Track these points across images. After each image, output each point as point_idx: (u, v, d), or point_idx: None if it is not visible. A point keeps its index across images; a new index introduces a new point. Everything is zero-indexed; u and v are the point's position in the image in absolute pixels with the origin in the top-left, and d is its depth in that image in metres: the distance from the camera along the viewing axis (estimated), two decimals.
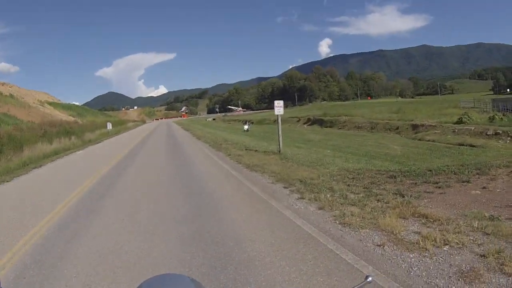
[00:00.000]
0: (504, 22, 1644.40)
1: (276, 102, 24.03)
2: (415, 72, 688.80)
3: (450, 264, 6.74)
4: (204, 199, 12.74)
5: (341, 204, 10.65)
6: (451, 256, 7.07)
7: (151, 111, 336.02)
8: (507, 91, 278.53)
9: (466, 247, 7.40)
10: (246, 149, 26.93)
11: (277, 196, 12.34)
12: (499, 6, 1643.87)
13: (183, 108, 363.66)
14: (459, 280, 6.22)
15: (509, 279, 6.14)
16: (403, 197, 11.20)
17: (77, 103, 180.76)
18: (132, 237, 9.33)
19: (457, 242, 7.54)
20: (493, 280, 6.14)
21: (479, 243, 7.57)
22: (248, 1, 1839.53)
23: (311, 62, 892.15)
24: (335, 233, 8.54)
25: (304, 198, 11.64)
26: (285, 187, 13.61)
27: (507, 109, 59.10)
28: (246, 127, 68.44)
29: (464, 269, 6.53)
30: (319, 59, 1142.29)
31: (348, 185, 13.29)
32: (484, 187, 12.78)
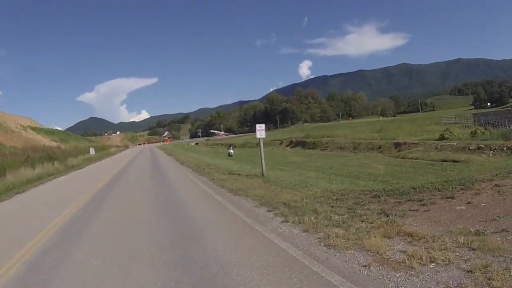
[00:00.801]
0: (482, 37, 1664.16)
1: (258, 126, 24.12)
2: (395, 91, 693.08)
3: (437, 282, 6.79)
4: (188, 225, 12.72)
5: (326, 226, 10.68)
6: (438, 273, 7.12)
7: (133, 136, 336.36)
8: (487, 105, 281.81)
9: (453, 263, 7.46)
10: (229, 173, 26.91)
11: (261, 220, 12.35)
12: (476, 22, 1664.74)
13: (166, 133, 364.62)
14: None
15: None
16: (388, 216, 11.26)
17: (59, 128, 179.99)
18: (117, 263, 9.30)
19: (443, 259, 7.59)
20: None
21: (465, 258, 7.65)
22: (227, 26, 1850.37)
23: (292, 84, 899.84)
24: (320, 255, 8.55)
25: (288, 221, 11.64)
26: (269, 211, 13.63)
27: (488, 123, 59.78)
28: (230, 151, 64.59)
29: (451, 286, 6.59)
30: (300, 81, 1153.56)
31: (332, 207, 13.33)
32: (468, 202, 12.86)
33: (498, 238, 8.75)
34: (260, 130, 23.92)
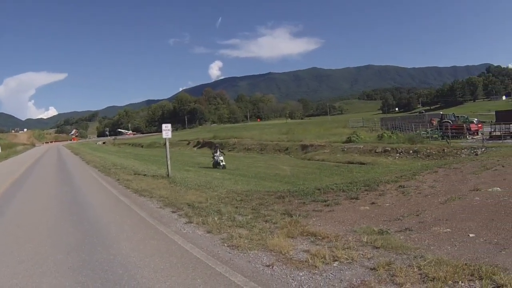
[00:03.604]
0: (392, 44, 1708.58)
1: (164, 126, 23.95)
2: (304, 94, 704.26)
3: (341, 280, 6.88)
4: (93, 226, 12.36)
5: (229, 226, 10.72)
6: (341, 271, 7.22)
7: (41, 134, 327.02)
8: (395, 110, 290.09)
9: (356, 261, 7.60)
10: (135, 174, 26.62)
11: (165, 221, 12.24)
12: (388, 31, 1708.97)
13: (73, 131, 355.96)
14: None
15: None
16: (291, 216, 11.42)
17: None
18: (20, 268, 8.86)
19: (346, 258, 7.72)
20: None
21: (369, 257, 7.82)
22: (141, 22, 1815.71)
23: (202, 84, 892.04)
24: (224, 256, 8.54)
25: (192, 222, 11.61)
26: (173, 212, 13.56)
27: (395, 127, 61.17)
28: (220, 158, 39.81)
29: (354, 283, 6.69)
30: (210, 82, 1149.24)
31: (236, 207, 13.43)
32: (373, 203, 13.18)
33: (401, 237, 9.08)
34: (166, 130, 23.73)
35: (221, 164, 38.72)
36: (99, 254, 9.24)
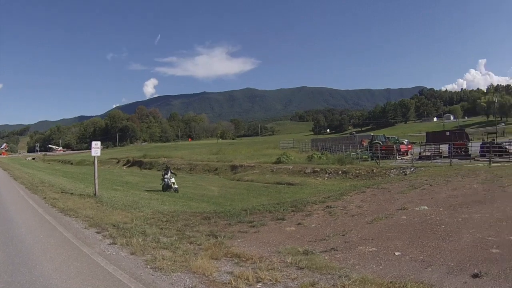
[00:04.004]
0: (326, 67, 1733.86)
1: (93, 143, 23.59)
2: (238, 114, 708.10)
3: None
4: (17, 247, 11.87)
5: (153, 248, 10.56)
6: None
7: None
8: (326, 131, 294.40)
9: (280, 282, 7.57)
10: (62, 192, 26.01)
11: (89, 242, 11.91)
12: (321, 53, 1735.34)
13: (4, 145, 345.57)
14: None
15: None
16: (216, 238, 11.38)
17: None
18: None
19: (270, 279, 7.68)
20: None
21: (293, 277, 7.80)
22: (80, 36, 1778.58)
23: (136, 102, 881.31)
24: (146, 278, 8.36)
25: (116, 243, 11.38)
26: (97, 232, 13.24)
27: (325, 148, 61.93)
28: (171, 180, 35.56)
29: None
30: (144, 99, 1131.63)
31: (161, 228, 13.32)
32: (299, 223, 13.22)
33: (326, 257, 9.13)
34: (96, 148, 23.35)
35: (173, 187, 34.79)
36: (22, 276, 8.89)
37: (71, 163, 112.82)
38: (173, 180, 35.62)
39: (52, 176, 50.52)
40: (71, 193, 25.22)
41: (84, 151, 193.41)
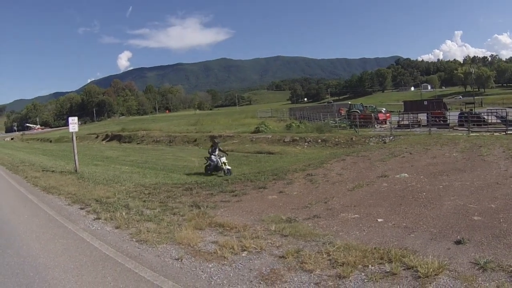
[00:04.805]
0: (302, 36, 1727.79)
1: (70, 119, 23.36)
2: (214, 85, 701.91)
3: (250, 269, 6.91)
4: (1, 228, 11.74)
5: (137, 221, 10.58)
6: (250, 261, 7.25)
7: None
8: (304, 100, 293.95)
9: (265, 250, 7.66)
10: (43, 170, 25.69)
11: (73, 219, 11.87)
12: (298, 22, 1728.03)
13: None
14: (260, 283, 6.38)
15: (311, 275, 6.42)
16: (199, 208, 11.45)
17: None
18: None
19: (255, 247, 7.77)
20: (295, 279, 6.39)
21: (277, 245, 7.89)
22: (49, 8, 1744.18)
23: (110, 75, 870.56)
24: (132, 251, 8.40)
25: (100, 218, 11.36)
26: (81, 208, 13.20)
27: (303, 117, 61.94)
28: (223, 160, 28.12)
29: (264, 272, 6.72)
30: (118, 73, 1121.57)
31: (144, 201, 13.32)
32: (281, 192, 13.30)
33: (310, 224, 9.22)
34: (73, 123, 23.14)
35: (224, 168, 27.38)
36: (9, 257, 8.81)
37: (50, 141, 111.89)
38: (224, 159, 27.96)
39: (32, 155, 49.96)
40: (52, 171, 25.02)
41: (62, 128, 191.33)
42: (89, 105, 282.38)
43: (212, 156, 28.04)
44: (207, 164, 28.41)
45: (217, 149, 28.55)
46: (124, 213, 11.46)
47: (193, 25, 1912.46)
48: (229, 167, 27.45)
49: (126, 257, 8.08)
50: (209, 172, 27.75)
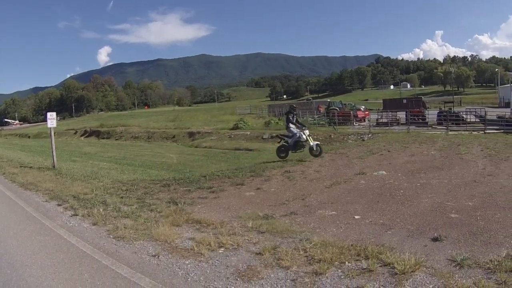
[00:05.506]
0: (282, 34, 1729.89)
1: (49, 114, 23.14)
2: (193, 81, 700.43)
3: (227, 266, 6.92)
4: None
5: (115, 217, 10.53)
6: (227, 257, 7.27)
7: None
8: (283, 97, 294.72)
9: (242, 247, 7.68)
10: (21, 166, 25.50)
11: (51, 215, 11.77)
12: (277, 18, 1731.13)
13: None
14: (237, 280, 6.39)
15: (287, 272, 6.45)
16: (177, 204, 11.44)
17: None
18: None
19: (232, 244, 7.78)
20: (272, 275, 6.42)
21: (254, 242, 7.93)
22: (30, 1, 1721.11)
23: (90, 71, 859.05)
24: (110, 248, 8.36)
25: (77, 215, 11.27)
26: (59, 205, 13.07)
27: (282, 114, 62.18)
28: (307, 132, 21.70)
29: (241, 269, 6.74)
30: (98, 68, 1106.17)
31: (122, 197, 13.27)
32: (258, 188, 13.36)
33: (287, 221, 9.26)
34: (51, 119, 22.93)
35: (311, 144, 21.16)
36: None
37: (29, 137, 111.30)
38: (307, 131, 21.97)
39: (10, 150, 49.42)
40: (30, 167, 24.80)
41: (41, 123, 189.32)
42: (68, 100, 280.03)
43: (291, 127, 21.71)
44: (280, 144, 22.22)
45: (295, 119, 22.59)
46: (101, 210, 11.38)
47: (174, 20, 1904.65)
48: (316, 142, 21.79)
49: (103, 254, 8.04)
50: (283, 154, 21.68)
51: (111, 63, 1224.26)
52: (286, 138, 21.65)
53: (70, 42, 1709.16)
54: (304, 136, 20.86)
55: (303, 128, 21.90)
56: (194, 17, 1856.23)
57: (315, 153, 20.77)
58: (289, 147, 21.33)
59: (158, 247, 8.09)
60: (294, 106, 24.99)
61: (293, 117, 21.99)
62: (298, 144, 20.98)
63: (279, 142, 22.35)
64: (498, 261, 6.35)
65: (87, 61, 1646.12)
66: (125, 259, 7.64)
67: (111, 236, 9.07)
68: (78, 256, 8.04)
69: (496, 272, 5.98)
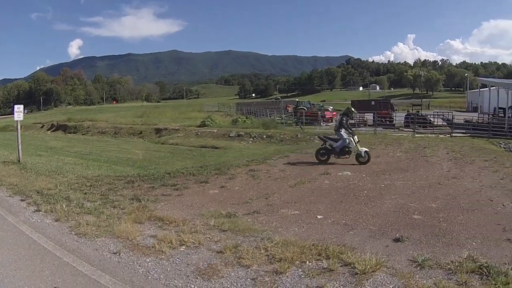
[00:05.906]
0: (253, 32, 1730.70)
1: (16, 107, 22.75)
2: (163, 77, 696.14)
3: (188, 264, 6.93)
4: None
5: (77, 213, 10.40)
6: (188, 255, 7.28)
7: None
8: (252, 96, 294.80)
9: (203, 245, 7.69)
10: None
11: (13, 210, 11.57)
12: (249, 16, 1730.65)
13: None
14: (197, 278, 6.41)
15: (248, 270, 6.50)
16: (140, 201, 11.41)
17: None
18: None
19: (193, 242, 7.80)
20: (232, 274, 6.45)
21: (216, 240, 7.95)
22: None
23: (60, 63, 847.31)
24: (71, 245, 8.28)
25: (40, 210, 11.11)
26: (22, 200, 12.85)
27: (250, 112, 62.28)
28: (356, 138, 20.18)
29: (201, 267, 6.75)
30: (69, 61, 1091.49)
31: (85, 193, 13.11)
32: (222, 186, 13.43)
33: (249, 220, 9.33)
34: (18, 112, 22.58)
35: (359, 149, 19.67)
36: None
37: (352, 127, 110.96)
38: (356, 138, 20.35)
39: None
40: None
41: (8, 116, 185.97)
42: (37, 93, 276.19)
43: (342, 131, 20.21)
44: (323, 146, 20.55)
45: (346, 124, 20.65)
46: (64, 206, 11.23)
47: (147, 15, 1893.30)
48: (365, 149, 19.89)
49: (64, 250, 7.97)
50: (323, 158, 20.09)
51: (81, 56, 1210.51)
52: (330, 142, 20.36)
53: (42, 34, 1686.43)
54: (353, 143, 19.77)
55: (354, 133, 20.52)
56: (168, 12, 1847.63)
57: (363, 160, 19.43)
58: (333, 151, 20.10)
59: (119, 244, 8.05)
60: (353, 109, 22.26)
61: (347, 121, 20.71)
62: (344, 150, 19.94)
63: (322, 145, 20.66)
64: (459, 262, 6.49)
65: (57, 54, 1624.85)
66: (86, 256, 7.58)
67: (73, 233, 8.97)
68: (39, 252, 7.95)
69: (457, 273, 6.11)
